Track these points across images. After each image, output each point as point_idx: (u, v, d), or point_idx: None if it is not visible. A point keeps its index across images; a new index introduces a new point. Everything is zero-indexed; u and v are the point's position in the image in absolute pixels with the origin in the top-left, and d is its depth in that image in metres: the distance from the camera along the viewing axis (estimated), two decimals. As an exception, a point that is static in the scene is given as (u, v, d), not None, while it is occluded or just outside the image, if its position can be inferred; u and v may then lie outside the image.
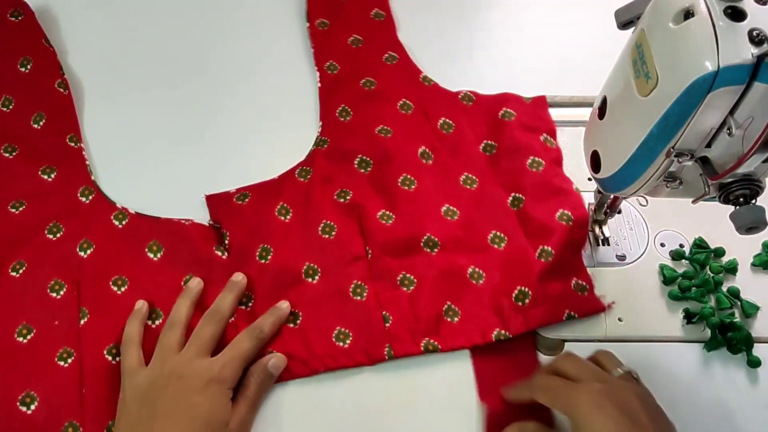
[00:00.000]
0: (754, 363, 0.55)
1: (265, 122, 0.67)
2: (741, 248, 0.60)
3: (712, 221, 0.60)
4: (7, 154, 0.63)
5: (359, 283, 0.57)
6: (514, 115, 0.65)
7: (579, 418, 0.45)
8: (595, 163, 0.50)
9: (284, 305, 0.56)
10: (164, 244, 0.59)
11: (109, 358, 0.54)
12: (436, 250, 0.59)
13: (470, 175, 0.63)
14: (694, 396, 0.55)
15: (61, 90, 0.66)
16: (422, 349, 0.55)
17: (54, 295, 0.56)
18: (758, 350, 0.56)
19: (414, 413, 0.54)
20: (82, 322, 0.55)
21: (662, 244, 0.61)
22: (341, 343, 0.55)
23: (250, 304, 0.57)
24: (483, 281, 0.58)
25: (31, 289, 0.56)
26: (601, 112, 0.49)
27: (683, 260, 0.60)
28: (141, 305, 0.55)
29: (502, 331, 0.55)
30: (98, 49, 0.72)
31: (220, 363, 0.51)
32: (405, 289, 0.57)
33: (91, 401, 0.52)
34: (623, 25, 0.46)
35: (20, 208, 0.60)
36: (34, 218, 0.60)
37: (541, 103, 0.67)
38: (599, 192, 0.59)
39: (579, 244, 0.59)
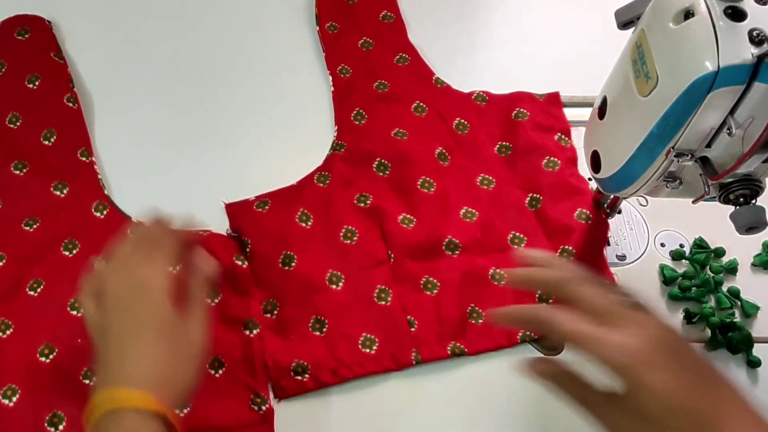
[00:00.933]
0: (754, 363, 0.55)
1: (280, 128, 0.67)
2: (741, 248, 0.60)
3: (712, 221, 0.59)
4: (17, 172, 0.62)
5: (383, 287, 0.57)
6: (528, 115, 0.65)
7: (626, 380, 0.38)
8: (595, 163, 0.50)
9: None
10: (183, 255, 0.58)
11: None
12: (457, 252, 0.58)
13: (487, 176, 0.63)
14: (694, 396, 0.54)
15: (71, 104, 0.66)
16: (449, 352, 0.55)
17: (75, 313, 0.55)
18: (758, 350, 0.56)
19: (439, 415, 0.54)
20: None
21: (662, 244, 0.61)
22: (368, 350, 0.54)
23: (275, 312, 0.56)
24: (505, 282, 0.57)
25: (51, 307, 0.55)
26: (602, 112, 0.49)
27: (683, 260, 0.60)
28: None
29: (528, 333, 0.55)
30: (110, 59, 0.71)
31: (147, 268, 0.47)
32: (429, 292, 0.57)
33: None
34: (623, 25, 0.46)
35: (34, 226, 0.59)
36: (49, 235, 0.58)
37: (554, 100, 0.67)
38: (599, 192, 0.59)
39: (601, 242, 0.59)
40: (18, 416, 0.51)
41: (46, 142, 0.63)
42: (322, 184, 0.62)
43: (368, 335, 0.55)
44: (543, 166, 0.62)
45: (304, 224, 0.59)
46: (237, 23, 0.74)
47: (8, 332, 0.54)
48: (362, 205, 0.60)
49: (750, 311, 0.57)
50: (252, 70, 0.71)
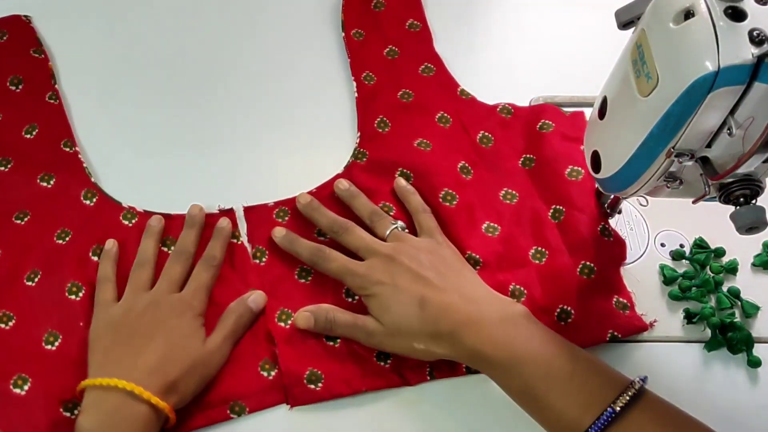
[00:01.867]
0: (754, 363, 0.55)
1: (299, 130, 0.67)
2: (741, 248, 0.60)
3: (712, 221, 0.59)
4: (2, 168, 0.62)
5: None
6: (553, 126, 0.64)
7: (366, 299, 0.54)
8: (595, 163, 0.50)
9: (224, 222, 0.59)
10: (177, 237, 0.59)
11: None
12: (477, 267, 0.57)
13: (510, 190, 0.62)
14: (694, 396, 0.54)
15: (52, 101, 0.66)
16: (464, 370, 0.54)
17: (73, 297, 0.56)
18: (758, 350, 0.56)
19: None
20: None
21: (662, 244, 0.61)
22: (383, 363, 0.54)
23: (290, 322, 0.56)
24: (524, 299, 0.56)
25: (50, 295, 0.56)
26: (602, 112, 0.49)
27: (683, 260, 0.60)
28: (111, 245, 0.58)
29: None
30: (116, 57, 0.71)
31: (189, 294, 0.55)
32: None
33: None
34: (624, 25, 0.46)
35: (25, 219, 0.60)
36: (41, 226, 0.59)
37: (580, 117, 0.65)
38: (600, 192, 0.59)
39: (618, 260, 0.58)
40: (31, 404, 0.52)
41: (28, 136, 0.64)
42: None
43: None
44: (566, 175, 0.61)
45: (323, 237, 0.59)
46: (260, 26, 0.73)
47: (11, 323, 0.55)
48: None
49: (750, 311, 0.57)
50: (275, 72, 0.70)
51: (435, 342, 0.51)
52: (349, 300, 0.57)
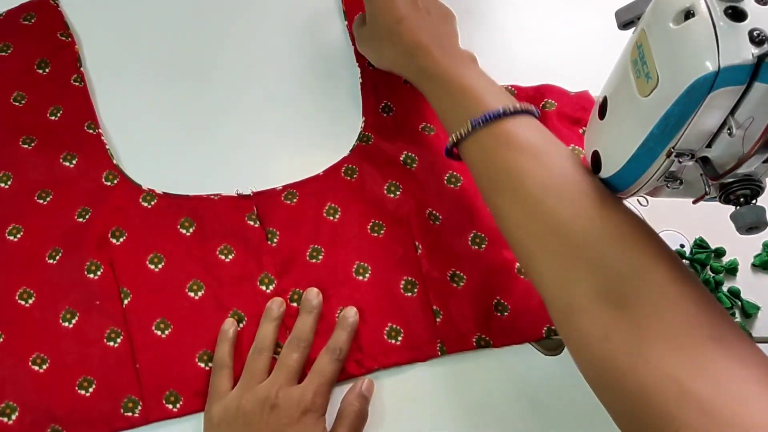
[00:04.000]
0: (754, 363, 0.55)
1: (304, 114, 0.68)
2: (741, 248, 0.60)
3: (712, 221, 0.60)
4: (26, 146, 0.63)
5: (409, 279, 0.58)
6: (555, 105, 0.65)
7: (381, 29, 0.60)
8: (595, 163, 0.50)
9: (351, 312, 0.56)
10: (195, 219, 0.60)
11: (158, 332, 0.56)
12: (483, 245, 0.59)
13: None
14: (694, 396, 0.54)
15: (77, 84, 0.67)
16: (474, 344, 0.55)
17: (91, 276, 0.57)
18: (759, 350, 0.56)
19: (463, 403, 0.55)
20: (125, 302, 0.56)
21: (663, 244, 0.61)
22: (393, 341, 0.56)
23: (296, 304, 0.58)
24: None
25: (69, 273, 0.57)
26: (602, 112, 0.49)
27: (684, 260, 0.60)
28: (229, 326, 0.56)
29: (553, 327, 0.56)
30: (138, 35, 0.72)
31: (311, 391, 0.51)
32: (455, 285, 0.58)
33: (146, 376, 0.54)
34: (624, 25, 0.46)
35: (47, 198, 0.61)
36: (63, 205, 0.60)
37: (584, 97, 0.66)
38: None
39: None
40: (48, 381, 0.54)
41: (53, 117, 0.65)
42: (350, 178, 0.63)
43: (394, 326, 0.56)
44: None
45: (331, 218, 0.60)
46: (271, 12, 0.74)
47: (30, 301, 0.57)
48: (392, 196, 0.61)
49: (750, 311, 0.57)
50: (280, 57, 0.71)
51: (387, 50, 0.62)
52: (360, 278, 0.58)
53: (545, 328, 0.56)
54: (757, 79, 0.37)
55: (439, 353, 0.55)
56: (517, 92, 0.67)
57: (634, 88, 0.43)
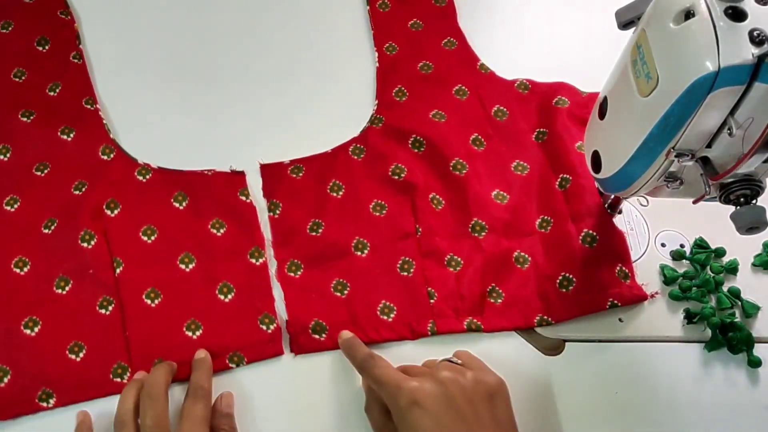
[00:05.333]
0: (754, 363, 0.55)
1: (319, 94, 0.68)
2: (741, 248, 0.60)
3: (712, 221, 0.59)
4: (24, 119, 0.64)
5: (407, 259, 0.59)
6: (568, 103, 0.65)
7: (398, 418, 0.45)
8: (595, 163, 0.50)
9: (202, 354, 0.54)
10: (189, 193, 0.61)
11: (148, 301, 0.56)
12: (483, 233, 0.60)
13: (522, 162, 0.63)
14: (694, 396, 0.55)
15: (76, 61, 0.68)
16: (465, 327, 0.56)
17: (85, 245, 0.58)
18: (759, 350, 0.56)
19: None
20: (117, 271, 0.57)
21: (663, 245, 0.61)
22: (386, 317, 0.56)
23: (299, 273, 0.58)
24: (528, 265, 0.58)
25: (64, 242, 0.58)
26: (602, 112, 0.49)
27: (684, 260, 0.60)
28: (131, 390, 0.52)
29: (545, 317, 0.56)
30: (138, 12, 0.73)
31: None
32: (451, 269, 0.58)
33: (136, 343, 0.55)
34: (624, 25, 0.46)
35: (45, 171, 0.62)
36: (60, 178, 0.62)
37: (596, 99, 0.67)
38: (600, 192, 0.59)
39: (623, 234, 0.59)
40: (40, 346, 0.54)
41: (52, 93, 0.66)
42: (356, 157, 0.64)
43: (387, 303, 0.57)
44: (576, 148, 0.62)
45: (335, 194, 0.62)
46: None
47: (26, 269, 0.57)
48: (396, 177, 0.62)
49: (750, 311, 0.57)
50: (299, 37, 0.72)
51: None
52: (358, 253, 0.59)
53: (537, 317, 0.56)
54: (757, 79, 0.37)
55: (429, 333, 0.56)
56: (532, 86, 0.67)
57: (634, 88, 0.43)
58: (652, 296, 0.57)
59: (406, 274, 0.58)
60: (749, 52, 0.37)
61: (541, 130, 0.65)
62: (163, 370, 0.52)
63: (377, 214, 0.61)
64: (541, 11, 0.75)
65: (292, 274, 0.58)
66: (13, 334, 0.55)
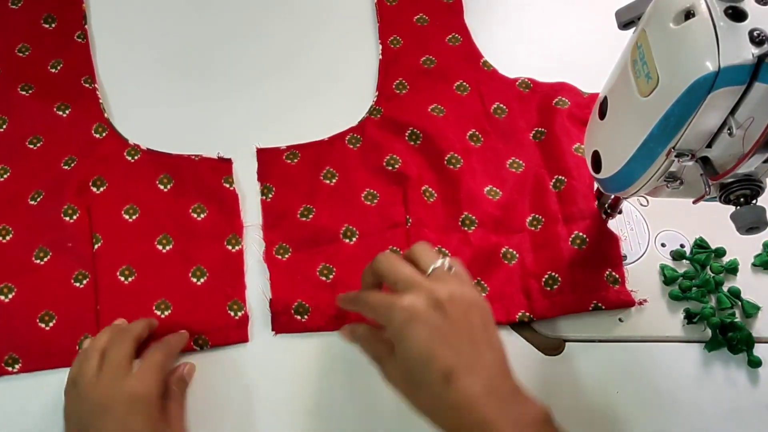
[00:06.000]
0: (754, 363, 0.55)
1: (319, 83, 0.69)
2: (742, 248, 0.60)
3: (712, 221, 0.59)
4: (23, 92, 0.66)
5: (396, 249, 0.59)
6: (568, 104, 0.66)
7: (395, 336, 0.45)
8: (595, 163, 0.50)
9: (185, 333, 0.55)
10: (174, 176, 0.62)
11: (122, 278, 0.57)
12: (473, 227, 0.60)
13: (517, 160, 0.64)
14: (694, 396, 0.55)
15: (80, 40, 0.70)
16: None
17: (67, 219, 0.59)
18: (759, 350, 0.56)
19: None
20: (95, 247, 0.58)
21: (663, 245, 0.61)
22: None
23: (287, 256, 0.59)
24: (515, 262, 0.59)
25: (47, 214, 0.59)
26: (602, 112, 0.49)
27: (684, 260, 0.60)
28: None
29: (527, 313, 0.56)
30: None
31: (137, 379, 0.49)
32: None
33: (105, 317, 0.56)
34: (624, 25, 0.46)
35: (38, 144, 0.63)
36: (51, 152, 0.63)
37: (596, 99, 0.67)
38: (600, 192, 0.59)
39: (617, 238, 0.59)
40: (11, 312, 0.56)
41: (53, 70, 0.68)
42: (352, 146, 0.64)
43: None
44: (573, 150, 0.63)
45: (328, 182, 0.62)
46: None
47: (8, 237, 0.59)
48: (390, 168, 0.62)
49: (750, 311, 0.57)
50: (303, 26, 0.73)
51: (436, 417, 0.44)
52: (346, 240, 0.59)
53: (519, 313, 0.56)
54: (757, 79, 0.37)
55: None
56: (533, 86, 0.68)
57: (634, 88, 0.43)
58: (640, 303, 0.57)
59: None
60: (749, 52, 0.37)
61: (540, 129, 0.65)
62: (144, 323, 0.54)
63: (368, 202, 0.61)
64: (543, 10, 0.75)
65: (279, 257, 0.59)
66: None
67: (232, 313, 0.57)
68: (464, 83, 0.68)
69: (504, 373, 0.45)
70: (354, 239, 0.60)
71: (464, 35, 0.71)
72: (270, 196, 0.62)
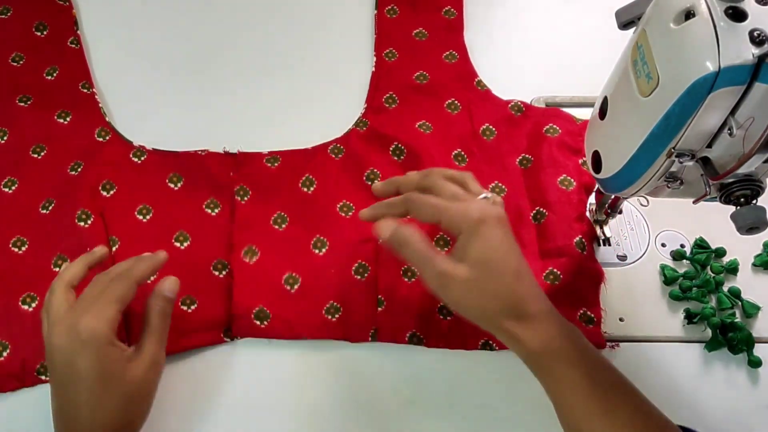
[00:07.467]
0: (754, 363, 0.55)
1: (313, 93, 0.69)
2: (742, 248, 0.60)
3: (712, 221, 0.60)
4: (22, 104, 0.66)
5: (363, 263, 0.58)
6: (559, 132, 0.65)
7: (469, 231, 0.47)
8: (596, 163, 0.50)
9: (162, 254, 0.53)
10: (183, 174, 0.63)
11: None
12: (446, 249, 0.59)
13: (500, 184, 0.63)
14: (694, 396, 0.55)
15: (74, 46, 0.70)
16: (407, 339, 0.56)
17: (82, 224, 0.59)
18: (759, 350, 0.56)
19: (384, 393, 0.55)
20: (114, 249, 0.58)
21: (663, 245, 0.61)
22: (330, 316, 0.56)
23: (254, 259, 0.59)
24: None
25: (62, 221, 0.59)
26: (602, 112, 0.49)
27: (684, 260, 0.60)
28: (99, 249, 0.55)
29: (490, 342, 0.56)
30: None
31: (91, 315, 0.47)
32: (407, 279, 0.58)
33: (130, 319, 0.55)
34: (624, 25, 0.46)
35: (42, 153, 0.63)
36: (56, 159, 0.63)
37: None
38: (600, 192, 0.59)
39: (598, 278, 0.58)
40: (37, 320, 0.53)
41: (49, 77, 0.68)
42: (334, 156, 0.64)
43: (335, 303, 0.57)
44: (557, 183, 0.61)
45: (306, 189, 0.62)
46: None
47: (24, 248, 0.59)
48: (369, 183, 0.62)
49: (751, 311, 0.57)
50: (299, 34, 0.73)
51: (512, 320, 0.47)
52: (315, 251, 0.59)
53: (482, 342, 0.56)
54: (758, 79, 0.37)
55: (370, 339, 0.56)
56: (526, 110, 0.67)
57: (635, 88, 0.43)
58: (612, 347, 0.56)
59: (359, 277, 0.58)
60: (749, 52, 0.37)
61: (527, 156, 0.64)
62: (154, 260, 0.52)
63: (343, 214, 0.61)
64: (547, 12, 0.75)
65: (247, 260, 0.58)
66: (11, 310, 0.56)
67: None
68: (456, 101, 0.67)
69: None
70: (324, 250, 0.59)
71: (461, 53, 0.71)
72: (246, 198, 0.61)
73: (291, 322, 0.56)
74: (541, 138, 0.64)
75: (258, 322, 0.56)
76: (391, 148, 0.64)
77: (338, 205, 0.61)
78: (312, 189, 0.62)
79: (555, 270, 0.58)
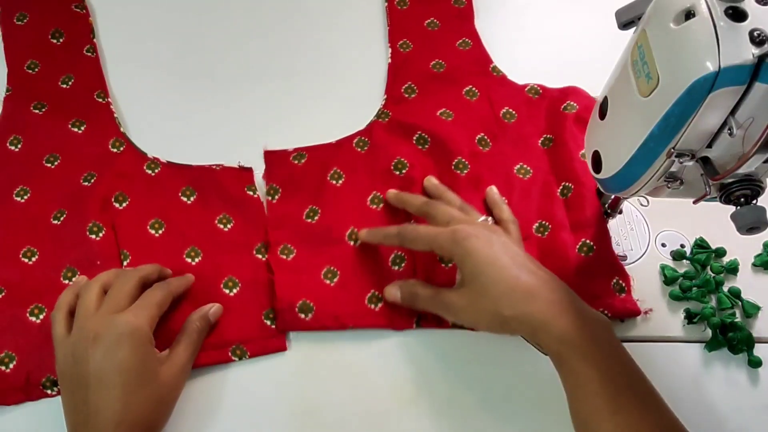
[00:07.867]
0: (755, 363, 0.55)
1: (328, 87, 0.69)
2: (742, 248, 0.60)
3: (713, 221, 0.60)
4: (36, 111, 0.65)
5: (400, 254, 0.59)
6: (576, 108, 0.65)
7: (456, 252, 0.50)
8: (596, 163, 0.50)
9: (191, 277, 0.57)
10: (197, 188, 0.62)
11: None
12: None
13: (525, 165, 0.63)
14: (694, 396, 0.55)
15: (90, 54, 0.70)
16: (450, 324, 0.56)
17: (93, 236, 0.58)
18: (759, 350, 0.56)
19: (431, 378, 0.55)
20: (125, 263, 0.58)
21: (663, 245, 0.61)
22: (373, 306, 0.57)
23: (291, 257, 0.59)
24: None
25: (72, 233, 0.59)
26: (602, 112, 0.49)
27: (684, 260, 0.60)
28: (80, 279, 0.56)
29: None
30: (143, 5, 0.74)
31: (132, 313, 0.50)
32: (444, 266, 0.58)
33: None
34: (624, 25, 0.46)
35: (55, 162, 0.63)
36: (70, 169, 0.62)
37: None
38: (600, 192, 0.59)
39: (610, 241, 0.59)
40: (45, 333, 0.54)
41: (64, 86, 0.68)
42: (359, 149, 0.64)
43: (376, 293, 0.57)
44: (579, 156, 0.62)
45: (335, 182, 0.62)
46: None
47: (34, 259, 0.58)
48: (398, 173, 0.62)
49: (751, 311, 0.57)
50: (313, 31, 0.73)
51: (523, 326, 0.49)
52: (351, 243, 0.59)
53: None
54: (758, 79, 0.37)
55: (415, 326, 0.56)
56: (543, 92, 0.67)
57: (635, 88, 0.43)
58: (646, 313, 0.57)
59: (396, 268, 0.58)
60: (749, 52, 0.37)
61: (548, 136, 0.65)
62: (154, 267, 0.55)
63: (373, 206, 0.61)
64: (553, 12, 0.75)
65: (284, 257, 0.58)
66: (19, 321, 0.55)
67: (269, 322, 0.56)
68: (473, 88, 0.67)
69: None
70: (359, 242, 0.59)
71: (474, 40, 0.71)
72: (276, 197, 0.62)
73: (335, 313, 0.56)
74: (561, 116, 0.65)
75: (302, 315, 0.56)
76: (414, 138, 0.64)
77: (368, 198, 0.61)
78: (341, 182, 0.62)
79: (588, 241, 0.58)
